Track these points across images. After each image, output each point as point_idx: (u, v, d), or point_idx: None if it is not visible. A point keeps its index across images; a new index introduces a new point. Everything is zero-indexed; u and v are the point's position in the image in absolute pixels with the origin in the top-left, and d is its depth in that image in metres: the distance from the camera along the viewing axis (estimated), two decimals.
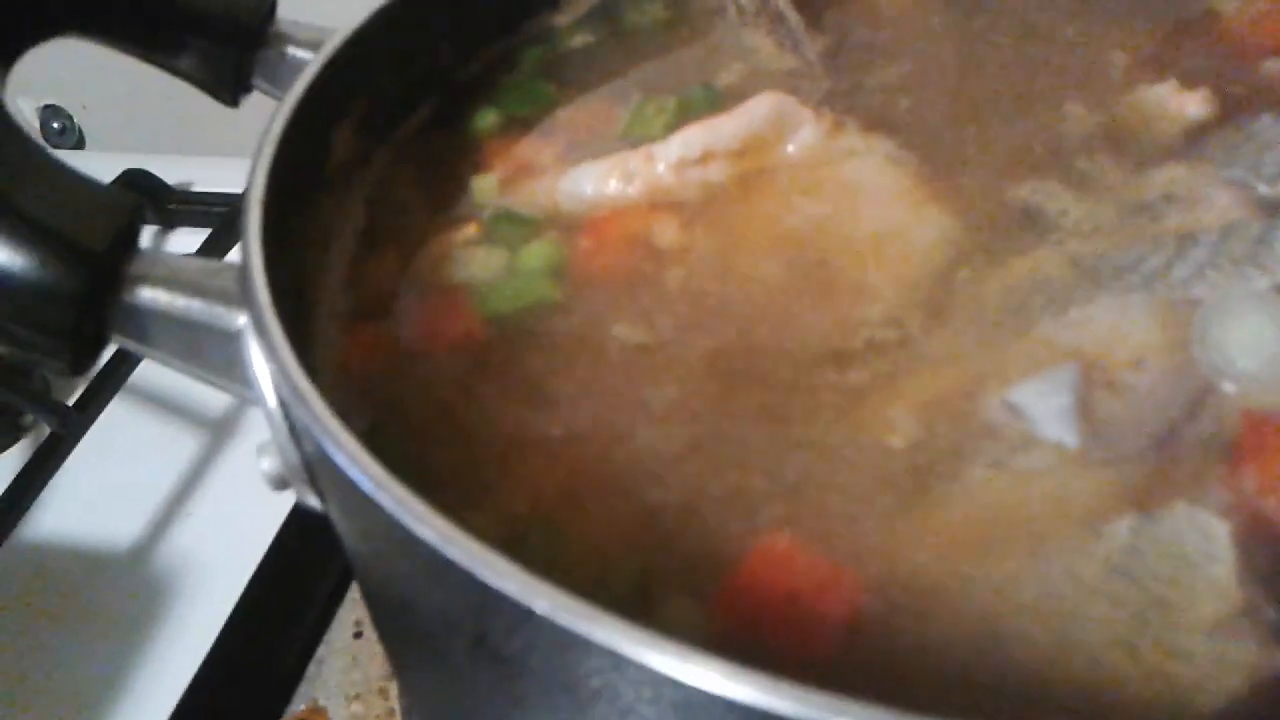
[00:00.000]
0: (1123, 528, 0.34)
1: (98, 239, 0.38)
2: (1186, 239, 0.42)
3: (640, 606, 0.33)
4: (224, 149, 1.15)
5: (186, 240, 0.96)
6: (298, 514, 0.72)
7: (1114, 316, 0.40)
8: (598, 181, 0.49)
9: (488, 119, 0.54)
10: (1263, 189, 0.44)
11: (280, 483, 0.39)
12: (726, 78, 0.55)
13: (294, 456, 0.38)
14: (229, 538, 0.75)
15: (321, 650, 0.63)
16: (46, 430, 0.81)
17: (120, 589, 0.73)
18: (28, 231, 0.37)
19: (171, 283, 0.39)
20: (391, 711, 0.59)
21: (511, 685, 0.30)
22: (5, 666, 0.69)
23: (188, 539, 0.76)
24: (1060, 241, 0.44)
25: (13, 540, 0.75)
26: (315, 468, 0.37)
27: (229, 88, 0.52)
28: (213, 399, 0.86)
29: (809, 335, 0.42)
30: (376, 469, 0.30)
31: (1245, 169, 0.45)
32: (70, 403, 0.82)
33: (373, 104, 0.51)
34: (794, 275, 0.44)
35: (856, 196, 0.48)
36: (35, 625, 0.72)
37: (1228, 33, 0.52)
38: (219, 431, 0.84)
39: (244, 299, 0.38)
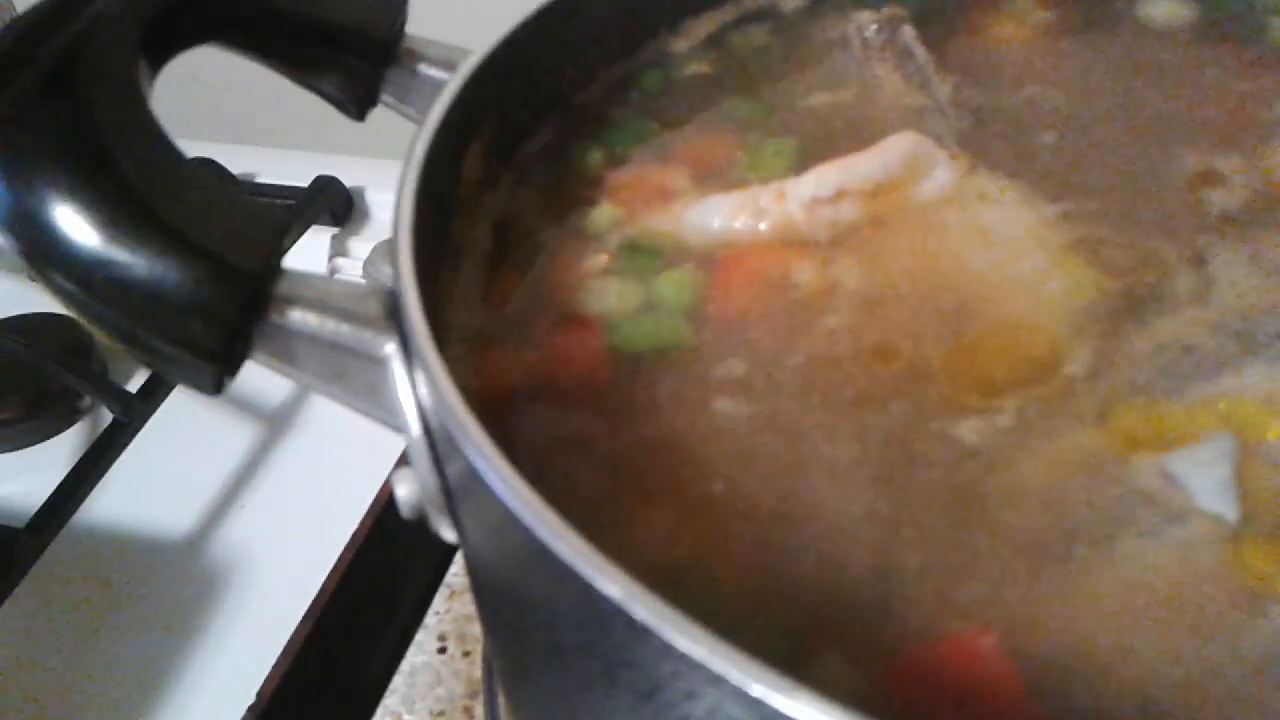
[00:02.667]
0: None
1: (250, 258, 0.38)
2: None
3: (794, 664, 0.32)
4: (286, 141, 1.16)
5: None
6: (380, 525, 0.72)
7: (1270, 384, 0.39)
8: (727, 216, 0.48)
9: (594, 155, 0.54)
10: None
11: (415, 511, 0.39)
12: (851, 116, 0.55)
13: (434, 484, 0.38)
14: (284, 532, 0.75)
15: (405, 664, 0.63)
16: (104, 416, 0.82)
17: (175, 579, 0.74)
18: (180, 247, 0.37)
19: (320, 305, 0.38)
20: None
21: (622, 700, 0.30)
22: (60, 653, 0.69)
23: (243, 532, 0.76)
24: (1209, 302, 0.43)
25: (71, 526, 0.76)
26: (458, 495, 0.37)
27: (357, 103, 0.52)
28: (273, 390, 0.86)
29: (951, 387, 0.41)
30: (535, 498, 0.29)
31: None
32: (134, 390, 0.83)
33: (501, 125, 0.51)
34: (935, 324, 0.44)
35: (993, 242, 0.47)
36: (90, 613, 0.73)
37: None
38: (277, 424, 0.85)
39: (392, 324, 0.37)
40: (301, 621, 0.65)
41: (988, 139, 0.52)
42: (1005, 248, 0.46)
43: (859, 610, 0.35)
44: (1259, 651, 0.33)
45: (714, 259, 0.48)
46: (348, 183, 1.03)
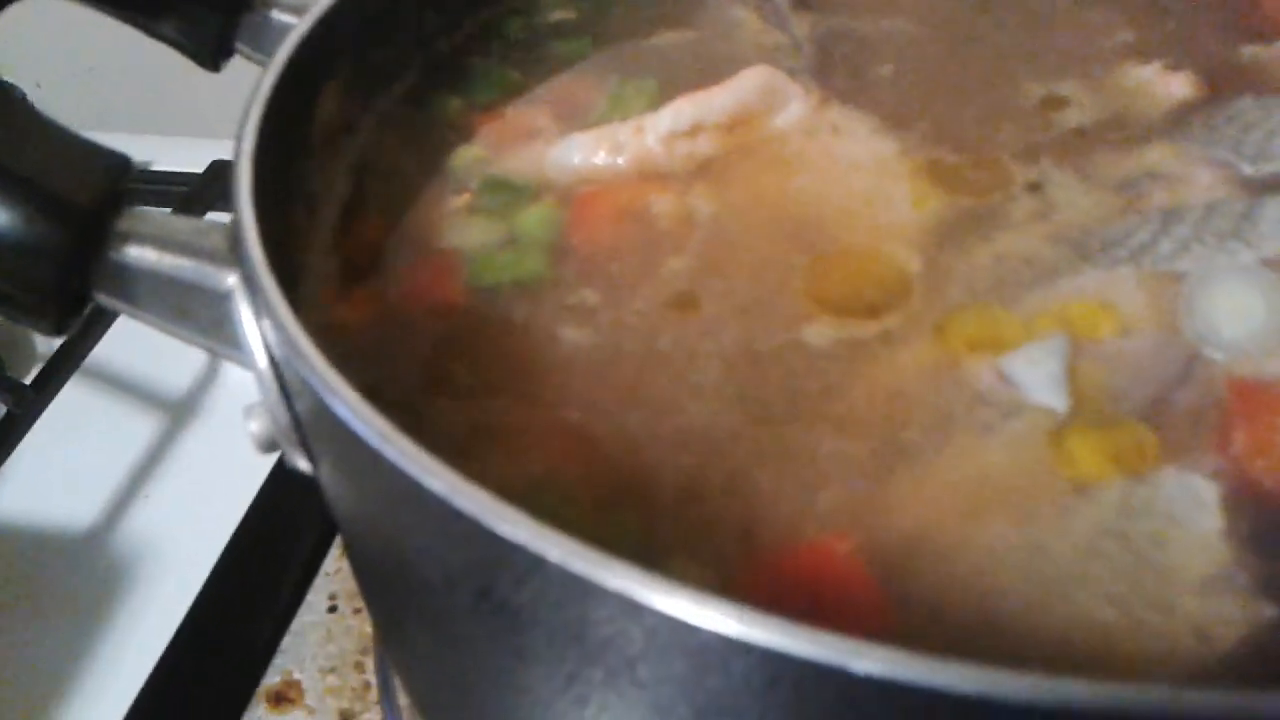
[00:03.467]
0: (1113, 491, 0.35)
1: (84, 194, 0.37)
2: (1172, 215, 0.43)
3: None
4: (180, 129, 1.14)
5: None
6: (267, 492, 0.71)
7: (1101, 289, 0.41)
8: (586, 152, 0.49)
9: (454, 102, 0.54)
10: (1245, 168, 0.45)
11: (269, 445, 0.39)
12: (710, 54, 0.55)
13: (284, 417, 0.38)
14: (189, 520, 0.74)
15: (296, 624, 0.62)
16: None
17: (78, 573, 0.72)
18: (12, 186, 0.37)
19: (159, 241, 0.38)
20: (367, 684, 0.59)
21: (514, 639, 0.30)
22: None
23: (147, 522, 0.75)
24: (1046, 216, 0.44)
25: None
26: (309, 427, 0.37)
27: (210, 52, 0.51)
28: (173, 379, 0.85)
29: (803, 307, 0.42)
30: (381, 422, 0.29)
31: (1227, 148, 0.45)
32: (27, 381, 0.81)
33: (357, 70, 0.51)
34: (787, 248, 0.44)
35: (845, 170, 0.48)
36: None
37: (1210, 17, 0.53)
38: (179, 413, 0.83)
39: (235, 257, 0.37)
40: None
41: (841, 72, 0.53)
42: (856, 174, 0.47)
43: (714, 518, 0.36)
44: (1086, 532, 0.34)
45: (575, 194, 0.48)
46: None
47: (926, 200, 0.46)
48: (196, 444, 0.80)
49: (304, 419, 0.37)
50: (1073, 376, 0.38)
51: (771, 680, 0.25)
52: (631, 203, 0.47)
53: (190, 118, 1.09)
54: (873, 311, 0.42)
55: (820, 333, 0.41)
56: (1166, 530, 0.34)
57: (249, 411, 0.39)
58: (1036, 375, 0.38)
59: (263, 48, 0.51)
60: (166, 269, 0.38)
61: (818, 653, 0.23)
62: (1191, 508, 0.34)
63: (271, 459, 0.73)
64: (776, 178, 0.48)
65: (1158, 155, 0.46)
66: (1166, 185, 0.45)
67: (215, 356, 0.39)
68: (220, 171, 0.99)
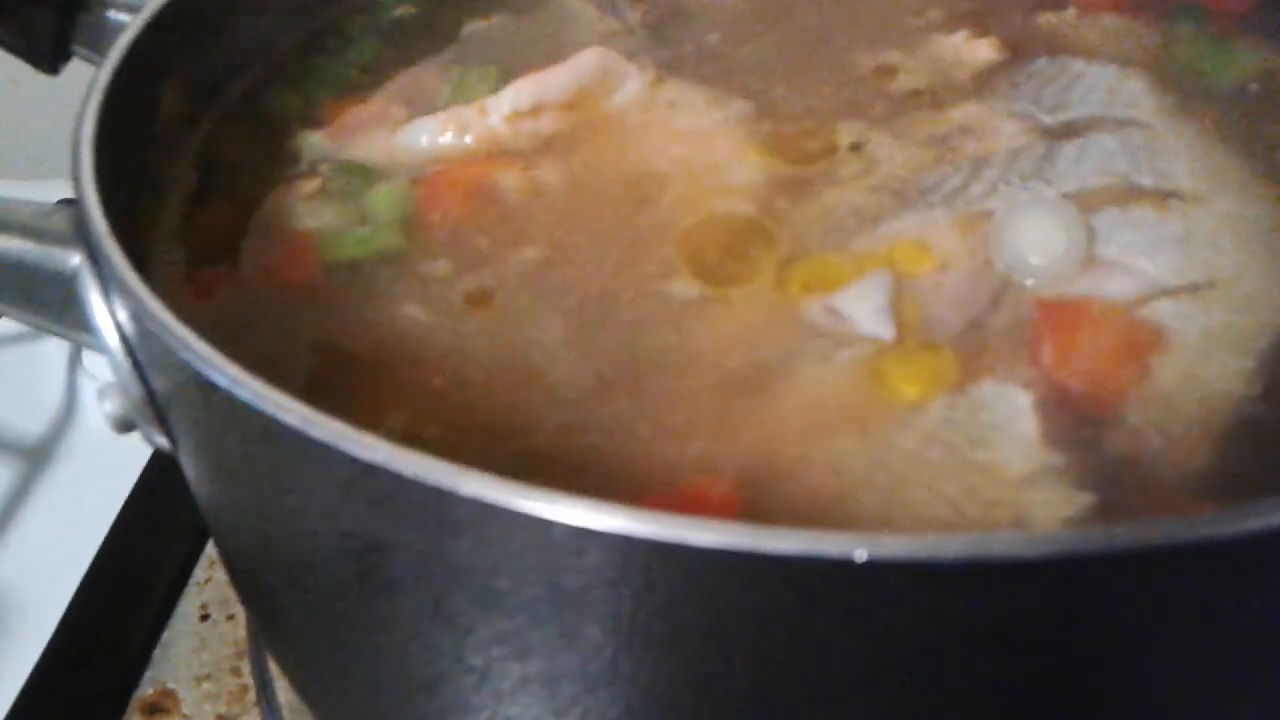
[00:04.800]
0: (938, 405, 0.38)
1: None
2: (981, 162, 0.47)
3: None
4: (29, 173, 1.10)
5: None
6: (130, 509, 0.70)
7: (921, 230, 0.44)
8: (433, 133, 0.50)
9: (296, 100, 0.54)
10: (1044, 118, 0.49)
11: (124, 425, 0.39)
12: (549, 42, 0.57)
13: (138, 393, 0.38)
14: (52, 545, 0.72)
15: (168, 636, 0.61)
16: None
17: None
18: None
19: (1, 225, 0.38)
20: (245, 687, 0.58)
21: (381, 574, 0.31)
22: None
23: (8, 552, 0.72)
24: (869, 171, 0.48)
25: None
26: (165, 398, 0.37)
27: (47, 53, 0.51)
28: (26, 426, 0.82)
29: (651, 267, 0.44)
30: (234, 368, 0.30)
31: (1028, 102, 0.49)
32: None
33: (198, 65, 0.51)
34: (631, 213, 0.47)
35: (683, 141, 0.50)
36: None
37: None
38: (35, 459, 0.81)
39: (79, 238, 0.37)
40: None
41: (675, 50, 0.55)
42: (693, 144, 0.50)
43: (582, 462, 0.37)
44: (915, 442, 0.37)
45: (425, 174, 0.49)
46: None
47: (759, 164, 0.49)
48: (55, 488, 0.78)
49: (159, 392, 0.37)
50: (897, 308, 0.41)
51: (624, 568, 0.26)
52: (482, 178, 0.49)
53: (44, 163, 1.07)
54: (717, 268, 0.44)
55: (669, 289, 0.44)
56: (988, 436, 0.37)
57: (103, 393, 0.39)
58: (864, 309, 0.41)
59: (100, 48, 0.51)
60: (12, 253, 0.38)
61: (662, 532, 0.25)
62: (1010, 414, 0.37)
63: (131, 479, 0.72)
64: (618, 150, 0.50)
65: (968, 112, 0.50)
66: (976, 138, 0.48)
67: (70, 343, 0.39)
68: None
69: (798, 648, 0.27)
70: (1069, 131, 0.47)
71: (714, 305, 0.43)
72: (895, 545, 0.25)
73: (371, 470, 0.27)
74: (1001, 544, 0.25)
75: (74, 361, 0.84)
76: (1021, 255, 0.42)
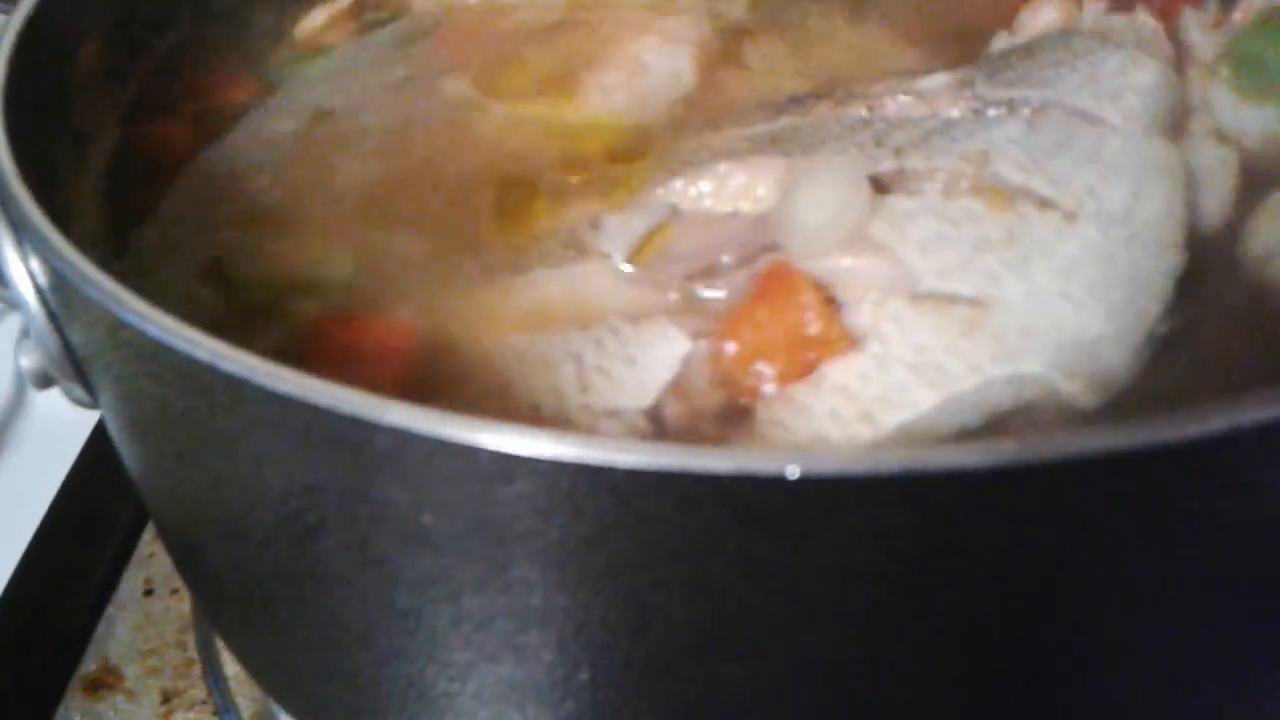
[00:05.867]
0: (604, 328, 0.37)
1: None
2: (896, 123, 0.43)
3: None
4: None
5: None
6: (69, 488, 0.68)
7: (753, 167, 0.42)
8: None
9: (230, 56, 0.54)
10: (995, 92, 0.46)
11: (43, 379, 0.38)
12: None
13: (56, 347, 0.36)
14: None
15: (111, 611, 0.60)
16: None
17: None
18: None
19: None
20: (190, 661, 0.57)
21: (309, 518, 0.30)
22: None
23: None
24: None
25: None
26: (82, 349, 0.36)
27: None
28: None
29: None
30: (143, 304, 0.29)
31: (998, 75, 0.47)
32: None
33: (119, 20, 0.49)
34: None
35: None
36: None
37: None
38: None
39: None
40: None
41: None
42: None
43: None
44: (561, 355, 0.37)
45: None
46: None
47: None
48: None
49: (76, 343, 0.36)
50: (654, 236, 0.40)
51: (550, 494, 0.25)
52: None
53: None
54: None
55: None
56: (622, 369, 0.36)
57: (20, 348, 0.37)
58: (621, 230, 0.40)
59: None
60: None
61: (589, 454, 0.24)
62: (652, 355, 0.36)
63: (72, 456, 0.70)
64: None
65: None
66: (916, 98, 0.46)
67: None
68: None
69: (735, 574, 0.26)
70: (1007, 108, 0.43)
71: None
72: (828, 462, 0.24)
73: (287, 403, 0.26)
74: (938, 457, 0.24)
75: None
76: (792, 214, 0.39)
